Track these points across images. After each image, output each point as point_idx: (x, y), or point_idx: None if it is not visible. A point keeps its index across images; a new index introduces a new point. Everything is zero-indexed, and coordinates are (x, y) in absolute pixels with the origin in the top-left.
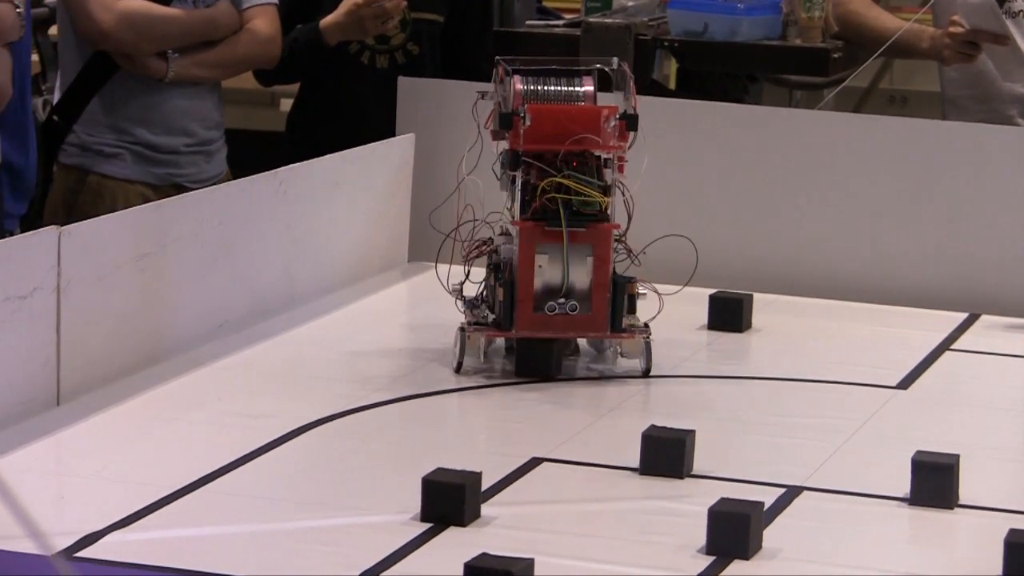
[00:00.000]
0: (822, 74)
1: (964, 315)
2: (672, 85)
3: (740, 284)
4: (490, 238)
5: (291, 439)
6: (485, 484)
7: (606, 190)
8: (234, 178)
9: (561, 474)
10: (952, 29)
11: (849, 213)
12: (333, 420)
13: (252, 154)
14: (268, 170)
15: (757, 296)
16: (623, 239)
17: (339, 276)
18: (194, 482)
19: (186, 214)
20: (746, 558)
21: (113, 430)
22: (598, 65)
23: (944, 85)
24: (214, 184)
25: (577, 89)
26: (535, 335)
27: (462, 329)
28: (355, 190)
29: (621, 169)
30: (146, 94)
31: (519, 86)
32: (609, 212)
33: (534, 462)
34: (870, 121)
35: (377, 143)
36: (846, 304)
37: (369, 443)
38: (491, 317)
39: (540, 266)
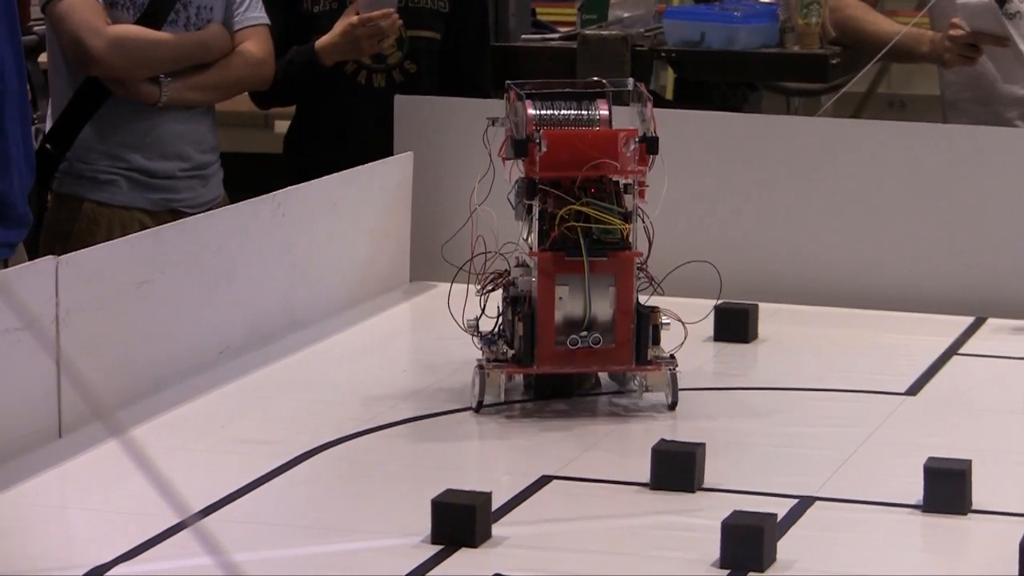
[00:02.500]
0: (821, 80)
1: (971, 319)
2: (670, 95)
3: (745, 294)
4: (506, 270)
5: (297, 464)
6: (495, 504)
7: (627, 217)
8: (231, 202)
9: (571, 492)
10: (952, 32)
11: (851, 219)
12: (339, 444)
13: (248, 177)
14: (265, 193)
15: (762, 306)
16: (644, 267)
17: (340, 298)
18: (200, 511)
19: (185, 240)
20: (761, 570)
21: (117, 461)
22: (613, 87)
23: (944, 88)
24: (211, 208)
25: (592, 113)
26: (557, 371)
27: (480, 367)
28: (354, 210)
29: (642, 195)
30: (139, 119)
31: (531, 111)
32: (630, 239)
33: (544, 480)
34: (870, 126)
35: (375, 162)
36: (852, 311)
37: (377, 466)
38: (509, 352)
39: (560, 298)
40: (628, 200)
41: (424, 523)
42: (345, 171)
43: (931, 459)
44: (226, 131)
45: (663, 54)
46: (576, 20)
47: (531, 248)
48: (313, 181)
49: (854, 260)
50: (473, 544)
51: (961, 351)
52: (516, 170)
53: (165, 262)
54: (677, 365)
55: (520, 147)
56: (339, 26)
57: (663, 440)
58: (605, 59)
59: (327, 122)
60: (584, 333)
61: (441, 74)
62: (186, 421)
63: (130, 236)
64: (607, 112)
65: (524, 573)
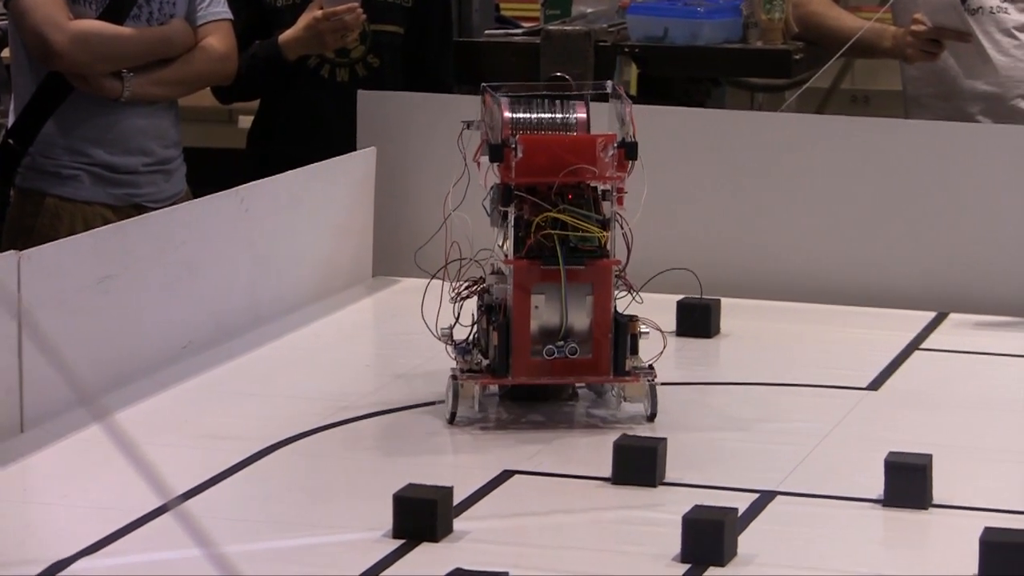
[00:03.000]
0: (784, 76)
1: (933, 314)
2: (634, 91)
3: (707, 289)
4: (481, 277)
5: (260, 459)
6: (457, 498)
7: (605, 224)
8: (194, 196)
9: (533, 486)
10: (915, 27)
11: (814, 214)
12: (302, 439)
13: (211, 172)
14: (228, 188)
15: (725, 301)
16: (622, 274)
17: (304, 293)
18: (163, 505)
19: (148, 235)
20: (722, 565)
21: (79, 455)
22: (591, 90)
23: (906, 83)
24: (174, 203)
25: (569, 116)
26: (533, 382)
27: (454, 377)
28: (317, 206)
29: (620, 201)
30: (102, 114)
31: (506, 114)
32: (608, 247)
33: (505, 475)
34: (832, 121)
35: (339, 157)
36: (814, 306)
37: (339, 461)
38: (484, 362)
39: (536, 307)
40: (606, 207)
41: (386, 517)
42: (308, 166)
43: (892, 454)
44: (189, 126)
45: (626, 50)
46: (540, 15)
47: (506, 256)
48: (276, 176)
49: (816, 255)
50: (435, 538)
51: (923, 346)
52: (492, 175)
53: (128, 257)
54: (656, 376)
55: (496, 152)
56: (302, 20)
57: (625, 435)
58: (568, 55)
59: (290, 117)
60: (561, 343)
61: (404, 68)
62: (149, 416)
63: (92, 231)
64: (585, 115)
65: (485, 568)
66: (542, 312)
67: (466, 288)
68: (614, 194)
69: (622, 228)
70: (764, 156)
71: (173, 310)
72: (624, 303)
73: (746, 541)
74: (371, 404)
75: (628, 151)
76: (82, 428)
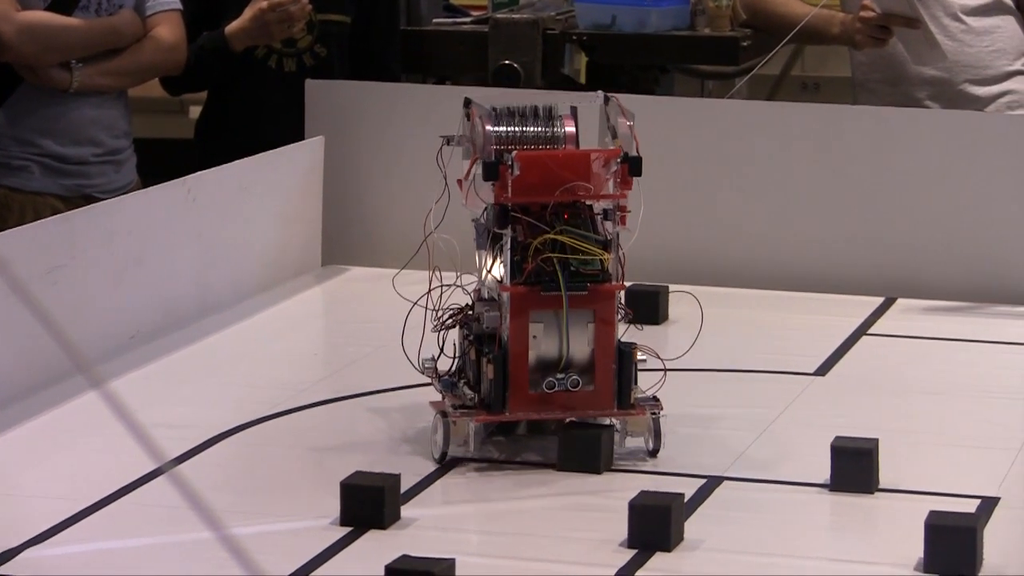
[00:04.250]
0: (732, 63)
1: (880, 299)
2: (583, 79)
3: (655, 276)
4: (467, 304)
5: (208, 448)
6: (404, 486)
7: (606, 245)
8: (145, 187)
9: (480, 474)
10: (864, 13)
11: (762, 201)
12: (250, 427)
13: (162, 163)
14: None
15: (673, 288)
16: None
17: (252, 282)
18: (111, 494)
19: (95, 225)
20: (668, 550)
21: (27, 445)
22: (578, 102)
23: (854, 69)
24: (124, 194)
25: (558, 130)
26: (531, 416)
27: (444, 414)
28: (265, 195)
29: (623, 221)
30: (51, 105)
31: (488, 128)
32: (611, 270)
33: (453, 462)
34: (779, 108)
35: (286, 147)
36: (762, 292)
37: (287, 449)
38: (470, 395)
39: (535, 336)
40: (607, 226)
41: (333, 505)
42: (256, 155)
43: (838, 438)
44: (140, 117)
45: (574, 37)
46: (487, 4)
47: (501, 282)
48: (224, 166)
49: (764, 242)
50: (382, 526)
51: (870, 331)
52: (473, 194)
53: (75, 247)
54: (662, 409)
55: (491, 170)
56: (249, 11)
57: (572, 422)
58: (517, 43)
59: (238, 107)
60: (561, 375)
61: (351, 58)
62: (97, 406)
63: (40, 221)
64: (573, 129)
65: (432, 554)
66: (540, 342)
67: (450, 317)
68: (616, 213)
69: (620, 249)
70: (713, 143)
71: (121, 300)
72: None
73: (693, 526)
74: (320, 392)
75: (631, 167)
76: (30, 418)
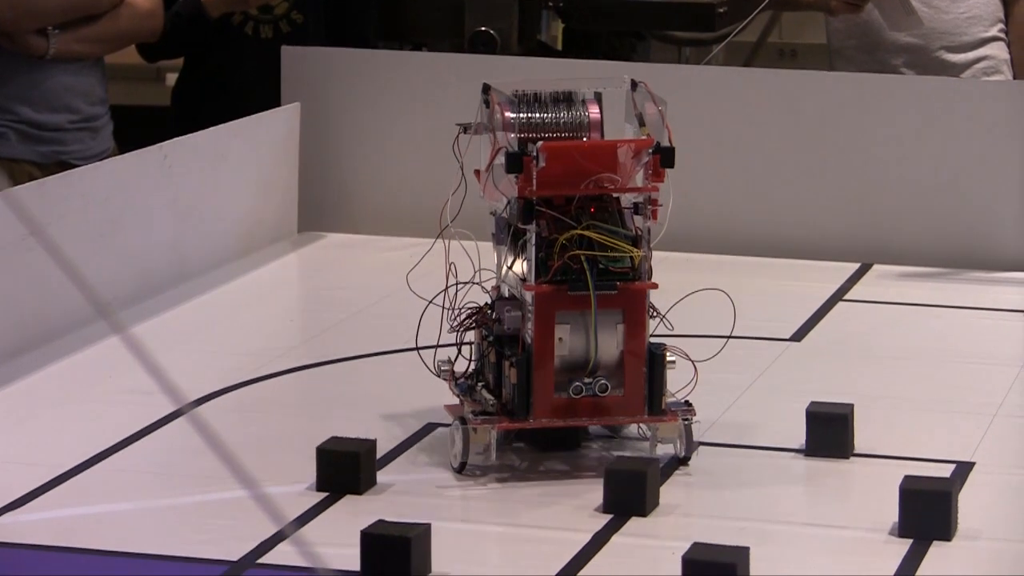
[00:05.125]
0: (708, 29)
1: (856, 265)
2: (559, 46)
3: None
4: (486, 303)
5: (184, 414)
6: (380, 451)
7: (636, 241)
8: (121, 154)
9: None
10: None
11: (739, 167)
12: (227, 393)
13: (139, 130)
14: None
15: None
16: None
17: (229, 249)
18: (88, 460)
19: (71, 191)
20: (644, 515)
21: (3, 412)
22: (603, 87)
23: (830, 36)
24: (101, 161)
25: (582, 114)
26: (557, 424)
27: (463, 420)
28: (242, 161)
29: (655, 215)
30: (28, 72)
31: (508, 114)
32: (641, 268)
33: (429, 428)
34: (755, 74)
35: (262, 113)
36: (738, 259)
37: (263, 415)
38: (490, 400)
39: (560, 339)
40: (638, 221)
41: (309, 471)
42: (232, 122)
43: (813, 404)
44: (117, 84)
45: (550, 4)
46: None
47: (525, 280)
48: (200, 132)
49: (740, 208)
50: (358, 491)
51: (846, 297)
52: (491, 185)
53: (51, 214)
54: (695, 414)
55: (515, 162)
56: None
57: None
58: (493, 9)
59: (214, 74)
60: (588, 379)
61: (328, 24)
62: (73, 372)
63: (15, 188)
64: (598, 114)
65: (408, 519)
66: (566, 344)
67: (467, 316)
68: (648, 207)
69: (649, 245)
70: (690, 110)
71: (97, 267)
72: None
73: (668, 491)
74: (295, 358)
75: (664, 158)
76: (5, 385)
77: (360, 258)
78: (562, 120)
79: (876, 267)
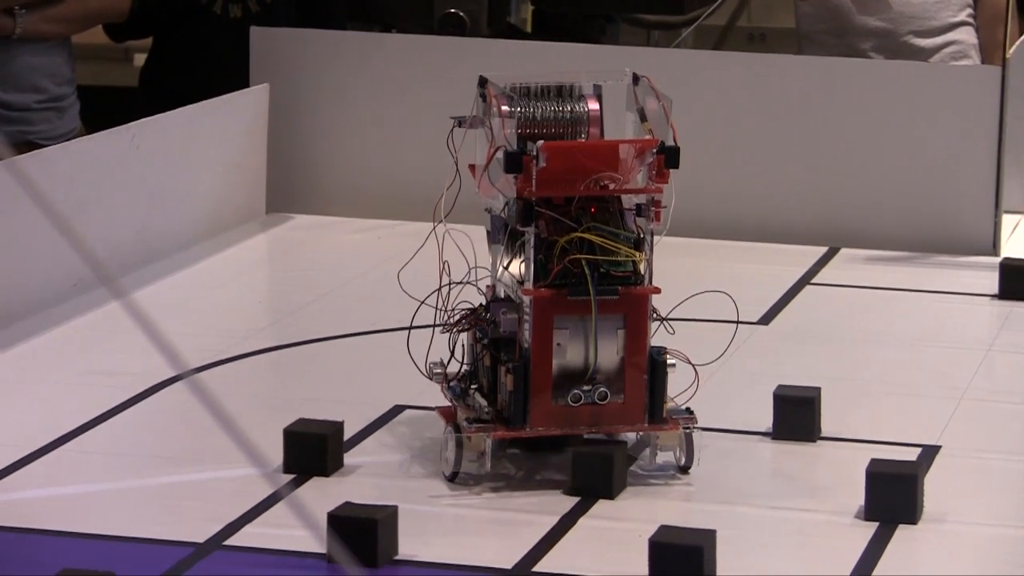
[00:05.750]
0: (677, 12)
1: (824, 249)
2: (529, 28)
3: None
4: (480, 305)
5: (151, 395)
6: (347, 433)
7: (639, 244)
8: (88, 135)
9: (424, 421)
10: None
11: (707, 150)
12: (194, 374)
13: (106, 110)
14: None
15: None
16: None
17: (197, 230)
18: (53, 441)
19: (38, 171)
20: (611, 498)
21: None
22: (603, 80)
23: (799, 20)
24: (67, 141)
25: (580, 109)
26: (555, 432)
27: (456, 427)
28: (210, 142)
29: (658, 217)
30: None
31: (505, 107)
32: (643, 271)
33: (396, 410)
34: (724, 58)
35: (231, 94)
36: (706, 242)
37: (230, 396)
38: (483, 404)
39: (559, 344)
40: (641, 223)
41: (276, 453)
42: (200, 103)
43: (780, 387)
44: (84, 64)
45: None
46: None
47: (523, 283)
48: (168, 113)
49: (708, 191)
50: (325, 473)
51: (814, 281)
52: (486, 182)
53: (18, 194)
54: (696, 422)
55: (514, 161)
56: None
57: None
58: None
59: (183, 54)
60: (587, 387)
61: (297, 5)
62: (39, 353)
63: None
64: (597, 107)
65: (375, 501)
66: (565, 350)
67: (462, 318)
68: (651, 209)
69: (651, 248)
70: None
71: (64, 247)
72: None
73: (635, 474)
74: (263, 340)
75: (668, 158)
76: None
77: (328, 240)
78: (561, 115)
79: (844, 251)
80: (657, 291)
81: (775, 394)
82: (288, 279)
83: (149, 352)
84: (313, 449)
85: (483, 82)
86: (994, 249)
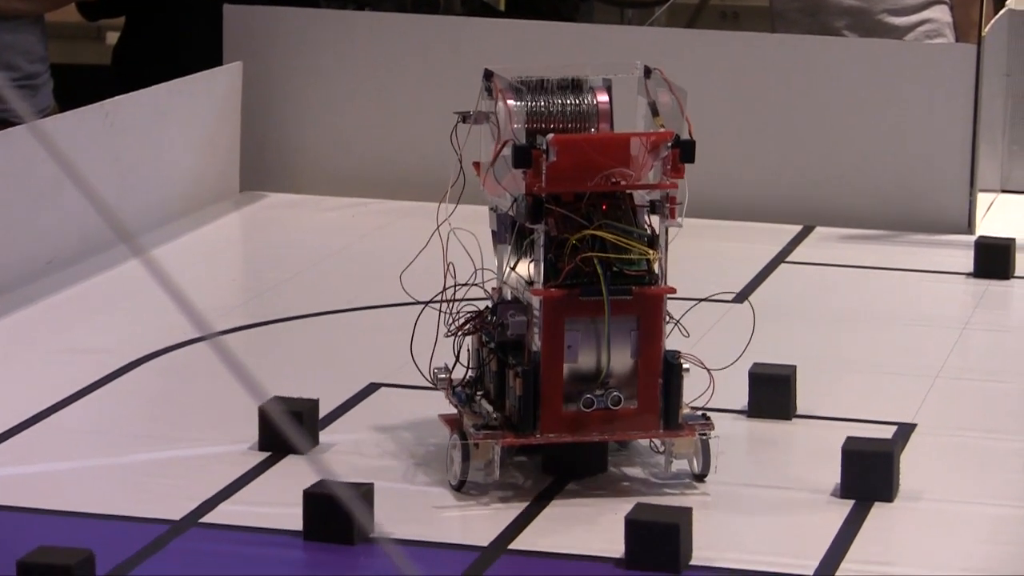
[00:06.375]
0: None
1: (799, 227)
2: (503, 6)
3: None
4: (487, 307)
5: (126, 373)
6: (323, 411)
7: (652, 241)
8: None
9: (399, 399)
10: None
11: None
12: (168, 352)
13: (79, 89)
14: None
15: None
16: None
17: (170, 208)
18: (29, 419)
19: (12, 150)
20: (583, 477)
21: None
22: (613, 74)
23: None
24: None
25: (590, 104)
26: (565, 439)
27: (462, 435)
28: (183, 120)
29: (673, 213)
30: None
31: (512, 102)
32: (657, 270)
33: (371, 388)
34: (699, 36)
35: (204, 72)
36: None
37: (205, 374)
38: (491, 412)
39: (569, 346)
40: (654, 221)
41: (251, 431)
42: (174, 80)
43: (756, 365)
44: (57, 43)
45: None
46: None
47: (530, 283)
48: (142, 91)
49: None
50: (300, 451)
51: (789, 259)
52: (491, 179)
53: None
54: (713, 428)
55: (523, 156)
56: None
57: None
58: None
59: (156, 32)
60: (600, 391)
61: None
62: (13, 331)
63: None
64: (607, 101)
65: (350, 478)
66: (576, 352)
67: (467, 321)
68: (666, 205)
69: (666, 247)
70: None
71: (38, 226)
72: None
73: (612, 454)
74: (238, 318)
75: (684, 152)
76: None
77: (302, 218)
78: (569, 109)
79: (819, 229)
80: (672, 291)
81: (751, 372)
82: (262, 257)
83: (124, 330)
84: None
85: (488, 75)
86: (969, 227)
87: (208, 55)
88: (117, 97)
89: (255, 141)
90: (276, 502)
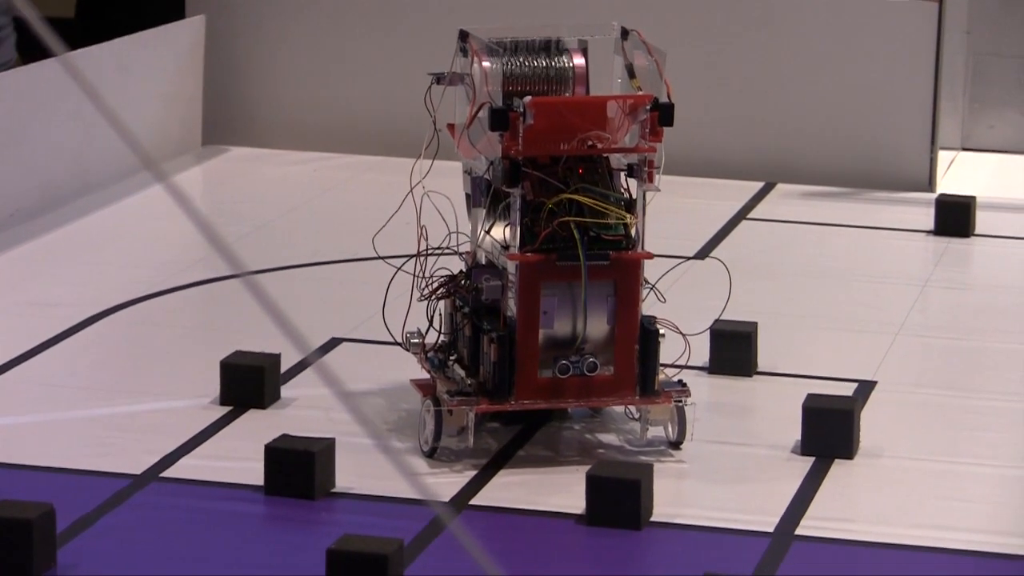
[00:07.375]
0: None
1: (760, 184)
2: None
3: None
4: (460, 271)
5: (87, 326)
6: (284, 366)
7: (630, 206)
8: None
9: (360, 354)
10: None
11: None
12: (129, 306)
13: (42, 41)
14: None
15: None
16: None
17: (132, 161)
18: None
19: None
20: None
21: None
22: (589, 35)
23: None
24: (3, 72)
25: (565, 64)
26: (543, 406)
27: (435, 400)
28: (146, 73)
29: (651, 177)
30: None
31: (487, 63)
32: (635, 235)
33: (333, 342)
34: None
35: (166, 25)
36: None
37: (166, 328)
38: (464, 378)
39: (545, 312)
40: (632, 184)
41: (213, 385)
42: (136, 33)
43: (717, 322)
44: None
45: None
46: None
47: (506, 248)
48: (103, 44)
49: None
50: (262, 405)
51: (750, 216)
52: (466, 141)
53: None
54: (689, 395)
55: (500, 118)
56: None
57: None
58: None
59: None
60: (575, 357)
61: None
62: None
63: None
64: (583, 63)
65: (312, 434)
66: (552, 318)
67: (441, 285)
68: (644, 169)
69: (643, 210)
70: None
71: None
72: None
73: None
74: (199, 272)
75: (662, 115)
76: None
77: (264, 172)
78: (545, 71)
79: (780, 186)
80: (650, 256)
81: (712, 329)
82: (224, 211)
83: (87, 283)
84: (250, 381)
85: (464, 35)
86: (930, 185)
87: (171, 8)
88: (79, 50)
89: (217, 95)
90: (237, 456)
